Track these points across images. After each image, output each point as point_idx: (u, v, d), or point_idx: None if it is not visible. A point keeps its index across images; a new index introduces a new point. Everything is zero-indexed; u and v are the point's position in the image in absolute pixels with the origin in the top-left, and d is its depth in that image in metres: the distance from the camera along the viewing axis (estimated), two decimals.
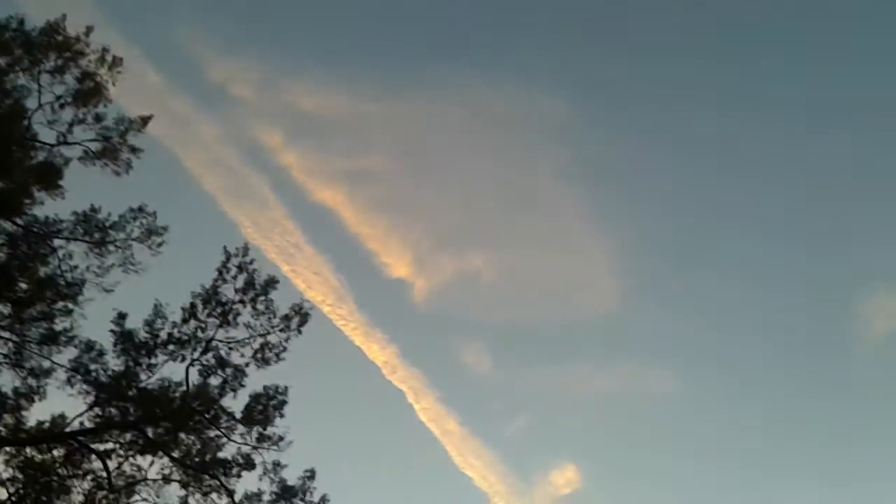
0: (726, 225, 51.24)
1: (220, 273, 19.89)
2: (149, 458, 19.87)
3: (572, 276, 50.04)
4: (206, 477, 20.26)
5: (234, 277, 20.00)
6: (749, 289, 50.30)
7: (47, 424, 19.45)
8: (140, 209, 19.48)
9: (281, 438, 20.59)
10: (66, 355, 19.31)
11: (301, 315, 20.60)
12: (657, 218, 51.18)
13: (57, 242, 19.60)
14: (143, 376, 19.49)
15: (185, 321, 19.66)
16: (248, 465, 20.45)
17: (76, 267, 19.22)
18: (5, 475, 19.52)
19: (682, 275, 52.76)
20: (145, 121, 21.14)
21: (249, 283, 20.08)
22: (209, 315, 19.80)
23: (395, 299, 45.10)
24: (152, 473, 19.96)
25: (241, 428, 20.44)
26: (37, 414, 19.78)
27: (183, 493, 20.16)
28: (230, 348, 20.14)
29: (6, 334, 18.48)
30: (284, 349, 20.50)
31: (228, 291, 19.97)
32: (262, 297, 20.21)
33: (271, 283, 20.36)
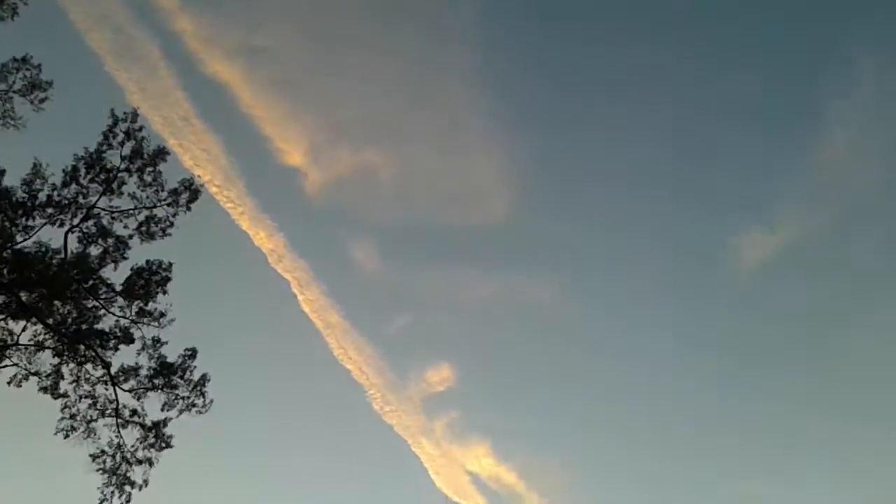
0: (620, 143, 52.65)
1: (106, 137, 19.25)
2: (21, 323, 19.28)
3: (468, 182, 50.16)
4: (82, 347, 19.80)
5: (121, 144, 19.39)
6: (637, 205, 52.21)
7: None
8: (24, 60, 18.49)
9: (162, 315, 20.29)
10: None
11: (191, 191, 20.14)
12: (555, 133, 52.08)
13: None
14: (18, 238, 18.78)
15: (65, 184, 19.01)
16: (127, 338, 20.08)
17: None
18: None
19: (574, 189, 54.15)
20: None
21: (137, 152, 19.49)
22: (92, 180, 19.19)
23: (287, 188, 43.41)
24: (24, 339, 19.44)
25: (120, 301, 20.05)
26: None
27: (56, 361, 19.73)
28: (113, 218, 19.64)
29: None
30: (171, 224, 20.09)
31: (114, 158, 19.40)
32: (150, 168, 19.66)
33: (161, 154, 19.80)
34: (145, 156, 19.53)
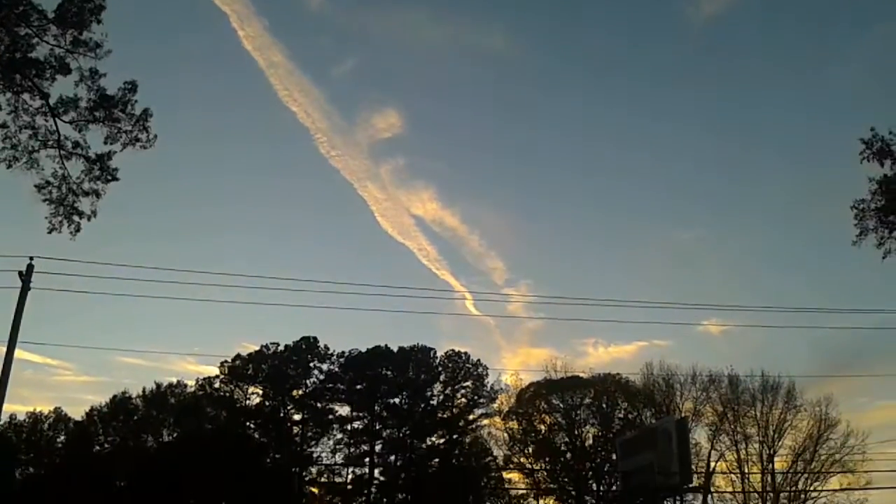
0: None
1: None
2: None
3: None
4: (17, 76, 19.16)
5: None
6: None
7: None
8: None
9: (98, 45, 19.49)
10: None
11: None
12: None
13: None
14: None
15: None
16: (63, 69, 19.41)
17: None
18: None
19: None
20: None
21: None
22: None
23: None
24: None
25: (53, 29, 19.16)
26: None
27: None
28: None
29: None
30: None
31: None
32: None
33: None
34: None
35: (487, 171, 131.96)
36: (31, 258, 25.28)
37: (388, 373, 68.74)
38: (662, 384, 62.49)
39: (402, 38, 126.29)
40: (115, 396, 68.65)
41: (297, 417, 69.85)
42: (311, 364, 69.39)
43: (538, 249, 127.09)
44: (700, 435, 59.79)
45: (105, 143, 19.99)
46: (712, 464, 59.97)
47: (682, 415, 54.21)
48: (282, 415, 69.28)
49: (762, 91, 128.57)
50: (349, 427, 69.22)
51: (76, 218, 20.00)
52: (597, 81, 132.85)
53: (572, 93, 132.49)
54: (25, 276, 25.41)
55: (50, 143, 19.68)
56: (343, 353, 69.46)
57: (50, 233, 20.15)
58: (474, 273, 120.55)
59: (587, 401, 64.94)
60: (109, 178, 20.13)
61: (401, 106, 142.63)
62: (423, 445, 69.11)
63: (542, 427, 66.12)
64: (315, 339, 69.52)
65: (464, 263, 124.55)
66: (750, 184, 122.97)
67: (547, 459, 65.88)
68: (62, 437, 69.18)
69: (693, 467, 45.42)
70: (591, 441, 65.11)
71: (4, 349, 24.88)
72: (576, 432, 64.83)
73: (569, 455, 65.70)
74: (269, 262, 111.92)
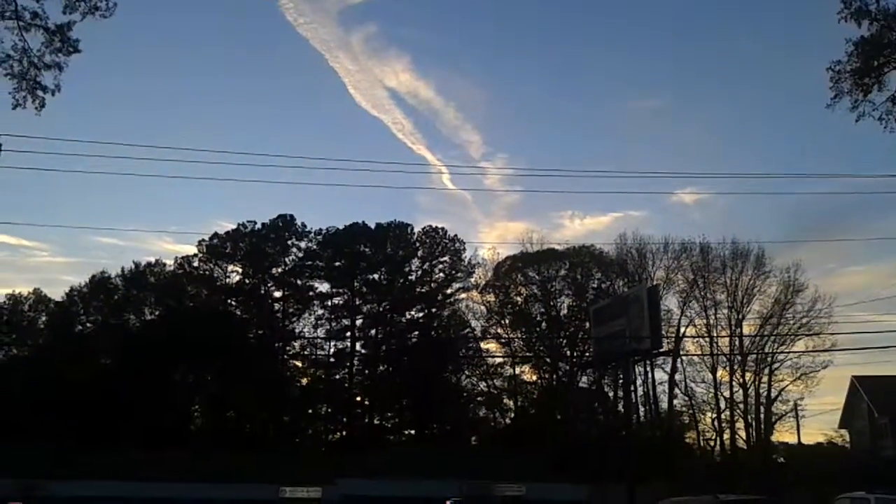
0: None
1: None
2: None
3: None
4: None
5: None
6: None
7: None
8: None
9: None
10: None
11: None
12: None
13: None
14: None
15: None
16: None
17: None
18: None
19: None
20: None
21: None
22: None
23: None
24: None
25: None
26: None
27: None
28: None
29: None
30: None
31: None
32: None
33: None
34: None
35: (463, 39, 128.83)
36: None
37: (367, 249, 69.33)
38: (635, 254, 63.64)
39: None
40: (94, 276, 68.92)
41: (277, 295, 70.78)
42: (290, 242, 69.74)
43: (515, 121, 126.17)
44: (671, 302, 61.45)
45: (64, 12, 19.11)
46: (682, 329, 61.97)
47: (654, 283, 55.51)
48: (262, 292, 70.12)
49: None
50: (329, 303, 70.36)
51: (40, 92, 19.36)
52: None
53: None
54: None
55: (7, 14, 18.80)
56: (321, 230, 69.84)
57: (14, 108, 19.61)
58: (450, 147, 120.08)
59: (562, 272, 66.17)
60: (71, 49, 19.37)
61: None
62: (403, 319, 70.62)
63: (519, 299, 67.58)
64: (292, 216, 69.67)
65: (439, 137, 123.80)
66: (722, 49, 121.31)
67: (523, 329, 67.69)
68: (43, 318, 69.71)
69: (664, 333, 46.85)
70: (565, 311, 66.78)
71: None
72: (551, 303, 66.38)
73: (544, 325, 67.56)
74: (240, 136, 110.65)
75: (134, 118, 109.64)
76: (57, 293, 76.10)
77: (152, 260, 71.10)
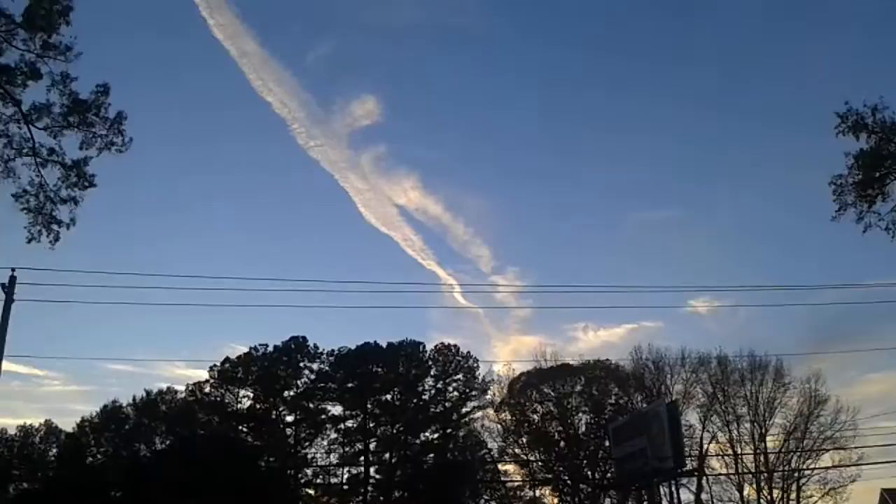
0: None
1: None
2: None
3: None
4: None
5: None
6: None
7: None
8: None
9: (69, 48, 19.25)
10: None
11: None
12: None
13: None
14: None
15: None
16: (34, 74, 19.15)
17: None
18: None
19: None
20: None
21: None
22: None
23: None
24: None
25: (22, 33, 18.88)
26: None
27: None
28: None
29: None
30: None
31: None
32: None
33: None
34: None
35: (469, 156, 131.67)
36: (13, 270, 25.06)
37: (379, 369, 68.58)
38: (652, 367, 62.75)
39: (375, 21, 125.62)
40: (105, 406, 68.25)
41: (289, 419, 69.59)
42: (302, 364, 69.14)
43: (524, 235, 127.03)
44: (692, 417, 60.12)
45: (80, 148, 19.77)
46: (705, 445, 60.28)
47: (673, 398, 54.41)
48: (274, 416, 68.98)
49: (746, 68, 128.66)
50: (342, 426, 68.99)
51: (55, 227, 19.77)
52: (572, 62, 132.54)
53: (549, 73, 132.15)
54: (8, 289, 25.17)
55: (25, 150, 19.42)
56: (333, 351, 69.31)
57: (29, 242, 19.92)
58: (460, 261, 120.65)
59: (578, 388, 65.09)
60: (87, 184, 19.89)
61: (378, 91, 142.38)
62: (418, 441, 69.03)
63: (535, 417, 66.23)
64: (304, 338, 69.32)
65: (449, 252, 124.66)
66: (728, 160, 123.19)
67: (541, 449, 65.99)
68: (54, 450, 68.65)
69: (686, 450, 45.53)
70: (584, 428, 65.27)
71: None
72: (568, 420, 64.97)
73: (563, 444, 65.83)
74: (252, 260, 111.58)
75: (144, 246, 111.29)
76: (69, 423, 75.26)
77: (164, 387, 70.61)
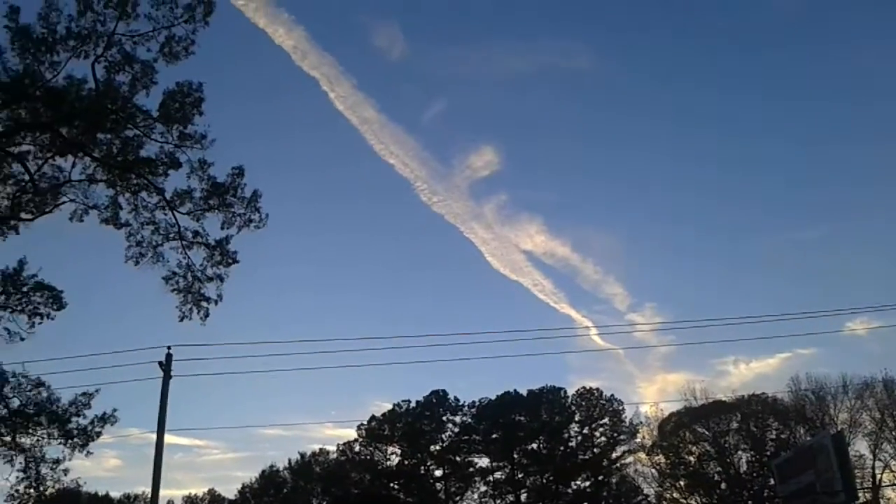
0: None
1: None
2: (69, 159, 19.80)
3: None
4: (133, 176, 20.27)
5: None
6: None
7: None
8: None
9: (203, 136, 20.42)
10: None
11: (205, 3, 19.58)
12: None
13: None
14: (47, 75, 18.90)
15: (81, 14, 18.70)
16: (174, 163, 20.39)
17: None
18: None
19: None
20: None
21: None
22: (106, 6, 18.82)
23: None
24: (76, 174, 20.03)
25: (160, 127, 20.18)
26: None
27: (111, 192, 20.30)
28: (135, 43, 19.39)
29: None
30: (192, 42, 19.72)
31: None
32: None
33: None
34: None
35: (592, 195, 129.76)
36: (169, 348, 26.53)
37: (522, 418, 67.85)
38: (813, 398, 58.84)
39: (485, 73, 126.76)
40: (263, 471, 70.76)
41: (438, 473, 69.70)
42: (444, 417, 69.42)
43: (657, 268, 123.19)
44: (860, 446, 55.77)
45: (221, 228, 20.80)
46: (878, 475, 55.74)
47: (838, 428, 50.76)
48: (422, 472, 69.30)
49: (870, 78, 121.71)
50: (491, 478, 68.42)
51: (204, 304, 20.81)
52: (684, 93, 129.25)
53: (659, 106, 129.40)
54: (165, 366, 26.63)
55: (171, 235, 20.64)
56: (474, 402, 69.29)
57: (181, 321, 21.02)
58: (594, 301, 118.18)
59: (734, 425, 61.87)
60: (230, 261, 20.88)
61: (495, 141, 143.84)
62: (569, 490, 67.46)
63: (691, 458, 63.32)
64: (444, 391, 69.71)
65: (582, 293, 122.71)
66: (878, 162, 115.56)
67: (701, 492, 62.88)
68: None
69: (858, 482, 42.28)
70: (745, 467, 61.82)
71: (155, 437, 25.99)
72: (727, 460, 61.75)
73: (723, 485, 62.53)
74: (388, 318, 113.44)
75: (286, 315, 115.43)
76: (231, 490, 78.21)
77: (316, 448, 72.53)
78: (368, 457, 70.27)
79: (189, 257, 20.85)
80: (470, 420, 69.07)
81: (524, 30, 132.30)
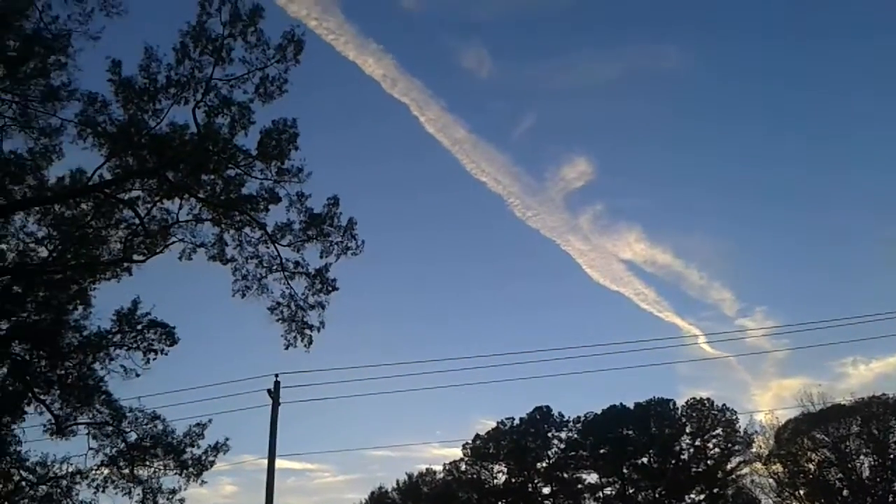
0: None
1: (203, 7, 19.51)
2: (176, 201, 20.67)
3: None
4: (236, 213, 21.02)
5: (218, 10, 19.58)
6: None
7: (68, 180, 20.29)
8: None
9: (300, 170, 21.01)
10: (71, 110, 19.61)
11: (295, 43, 20.22)
12: None
13: None
14: (151, 123, 19.83)
15: (179, 62, 19.58)
16: (273, 198, 21.05)
17: (57, 17, 19.05)
18: (40, 234, 20.81)
19: None
20: None
21: (235, 15, 19.63)
22: (202, 53, 19.64)
23: (384, 2, 42.21)
24: (183, 215, 20.89)
25: (259, 164, 20.88)
26: (56, 172, 20.69)
27: (217, 230, 21.09)
28: (231, 86, 20.14)
29: (7, 96, 18.88)
30: (286, 80, 20.35)
31: (216, 26, 19.66)
32: (251, 29, 19.83)
33: (257, 11, 19.87)
34: (243, 16, 19.64)
35: (691, 199, 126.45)
36: (277, 376, 27.34)
37: (630, 432, 66.48)
38: None
39: (573, 83, 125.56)
40: (373, 492, 71.78)
41: (545, 491, 69.02)
42: (550, 433, 68.75)
43: (766, 271, 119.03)
44: None
45: (320, 257, 21.34)
46: None
47: None
48: (530, 489, 68.73)
49: None
50: (601, 494, 67.28)
51: (307, 331, 21.35)
52: (772, 94, 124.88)
53: (751, 108, 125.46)
54: (274, 393, 27.46)
55: (274, 267, 21.29)
56: (579, 417, 68.39)
57: (287, 349, 21.62)
58: (701, 308, 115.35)
59: (855, 429, 58.99)
60: (331, 288, 21.37)
61: (587, 151, 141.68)
62: None
63: (811, 466, 60.67)
64: (548, 407, 69.11)
65: (687, 300, 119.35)
66: None
67: (822, 501, 60.14)
68: None
69: None
70: (867, 472, 58.82)
71: (266, 462, 26.74)
72: (849, 466, 58.88)
73: (846, 492, 59.62)
74: (489, 337, 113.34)
75: (388, 336, 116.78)
76: None
77: (423, 468, 73.04)
78: (475, 476, 70.20)
79: (291, 287, 21.47)
80: (576, 435, 68.16)
81: (607, 37, 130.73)
